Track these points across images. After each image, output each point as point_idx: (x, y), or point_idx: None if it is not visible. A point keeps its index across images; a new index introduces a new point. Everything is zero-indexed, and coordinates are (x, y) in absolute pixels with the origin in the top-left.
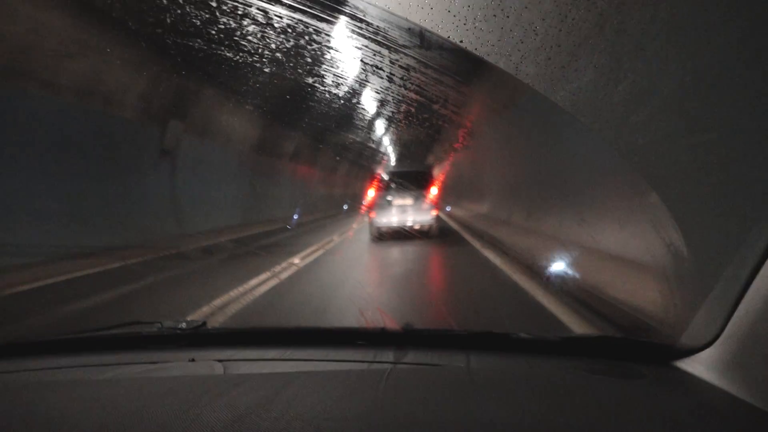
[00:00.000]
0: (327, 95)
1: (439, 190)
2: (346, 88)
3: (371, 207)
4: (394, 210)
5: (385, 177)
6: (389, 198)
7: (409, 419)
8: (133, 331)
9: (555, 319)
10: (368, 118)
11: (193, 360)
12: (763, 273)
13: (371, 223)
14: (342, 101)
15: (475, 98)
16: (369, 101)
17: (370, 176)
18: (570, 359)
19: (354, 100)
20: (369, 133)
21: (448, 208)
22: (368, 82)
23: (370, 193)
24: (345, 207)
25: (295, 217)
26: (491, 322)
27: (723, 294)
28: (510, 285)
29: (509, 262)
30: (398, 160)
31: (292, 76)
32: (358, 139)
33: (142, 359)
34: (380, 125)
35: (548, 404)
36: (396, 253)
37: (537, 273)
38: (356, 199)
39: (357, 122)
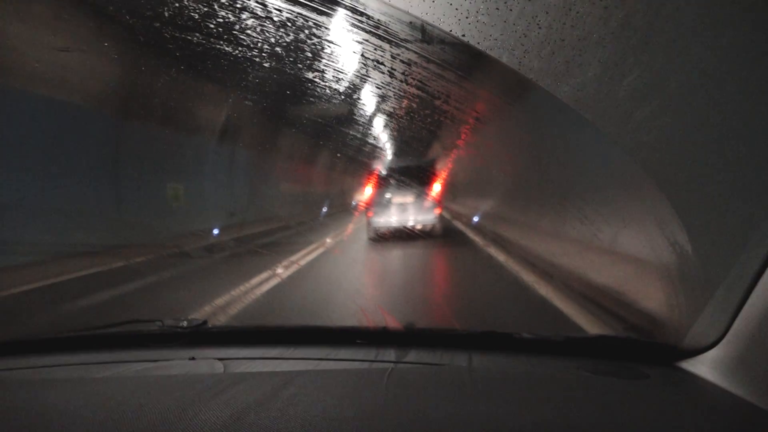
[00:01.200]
0: (302, 69)
1: (442, 187)
2: (337, 76)
3: (369, 205)
4: (393, 208)
5: (384, 173)
6: (388, 195)
7: (410, 418)
8: (134, 329)
9: (561, 315)
10: (365, 112)
11: (193, 358)
12: None
13: (369, 223)
14: (334, 91)
15: (478, 94)
16: (367, 95)
17: (367, 172)
18: (573, 359)
19: (349, 92)
20: (366, 128)
21: (476, 219)
22: (368, 76)
23: (368, 191)
24: (324, 210)
25: (216, 232)
26: (494, 321)
27: (727, 294)
28: (514, 282)
29: (510, 257)
30: (398, 155)
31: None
32: (352, 132)
33: (143, 357)
34: (379, 120)
35: (551, 404)
36: (398, 252)
37: (541, 270)
38: (344, 199)
39: (352, 115)
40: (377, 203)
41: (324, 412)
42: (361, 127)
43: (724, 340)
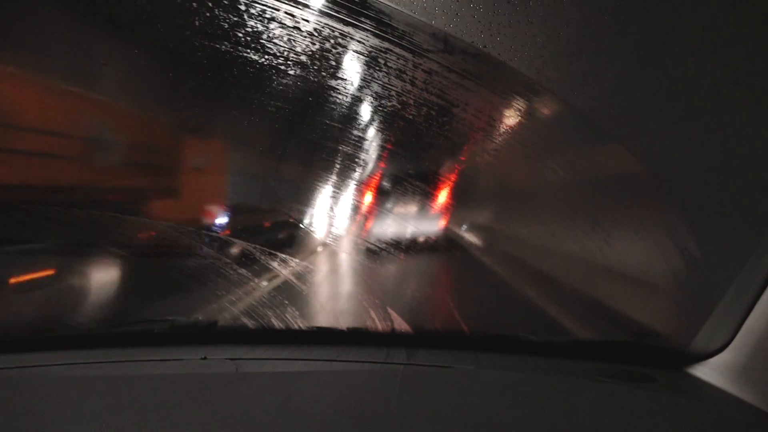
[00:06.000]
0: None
1: (449, 197)
2: (361, 84)
3: (368, 215)
4: (394, 219)
5: (394, 180)
6: (390, 205)
7: (419, 418)
8: (146, 328)
9: (564, 322)
10: (384, 119)
11: (205, 358)
12: None
13: (377, 234)
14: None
15: (495, 103)
16: (387, 103)
17: (377, 179)
18: (579, 363)
19: (370, 99)
20: (384, 135)
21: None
22: (390, 85)
23: (371, 198)
24: (336, 212)
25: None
26: (500, 325)
27: (735, 300)
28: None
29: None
30: (413, 163)
31: None
32: (369, 139)
33: (155, 356)
34: (398, 127)
35: (557, 407)
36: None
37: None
38: (354, 204)
39: (371, 122)
40: (377, 213)
41: (339, 412)
42: (380, 135)
43: (731, 346)
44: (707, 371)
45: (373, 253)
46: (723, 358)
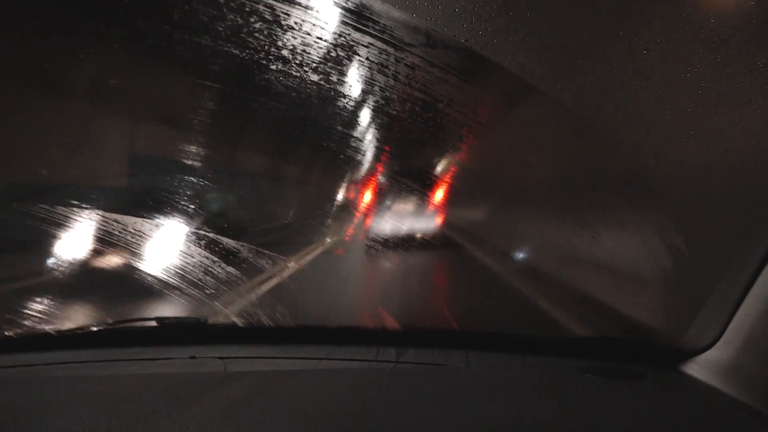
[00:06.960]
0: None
1: (445, 194)
2: (342, 79)
3: (368, 212)
4: (392, 216)
5: (385, 179)
6: (387, 203)
7: (409, 416)
8: (135, 327)
9: (554, 320)
10: (368, 115)
11: (194, 357)
12: (764, 276)
13: (368, 230)
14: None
15: (479, 98)
16: (371, 98)
17: (368, 178)
18: (570, 360)
19: (352, 95)
20: (369, 132)
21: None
22: (373, 80)
23: (368, 197)
24: (327, 212)
25: None
26: (491, 322)
27: (724, 296)
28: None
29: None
30: (400, 161)
31: None
32: (355, 135)
33: (143, 355)
34: (382, 123)
35: (548, 404)
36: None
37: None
38: (345, 203)
39: (355, 118)
40: (376, 210)
41: (326, 410)
42: (364, 131)
43: (720, 342)
44: (696, 368)
45: (363, 251)
46: (712, 354)
